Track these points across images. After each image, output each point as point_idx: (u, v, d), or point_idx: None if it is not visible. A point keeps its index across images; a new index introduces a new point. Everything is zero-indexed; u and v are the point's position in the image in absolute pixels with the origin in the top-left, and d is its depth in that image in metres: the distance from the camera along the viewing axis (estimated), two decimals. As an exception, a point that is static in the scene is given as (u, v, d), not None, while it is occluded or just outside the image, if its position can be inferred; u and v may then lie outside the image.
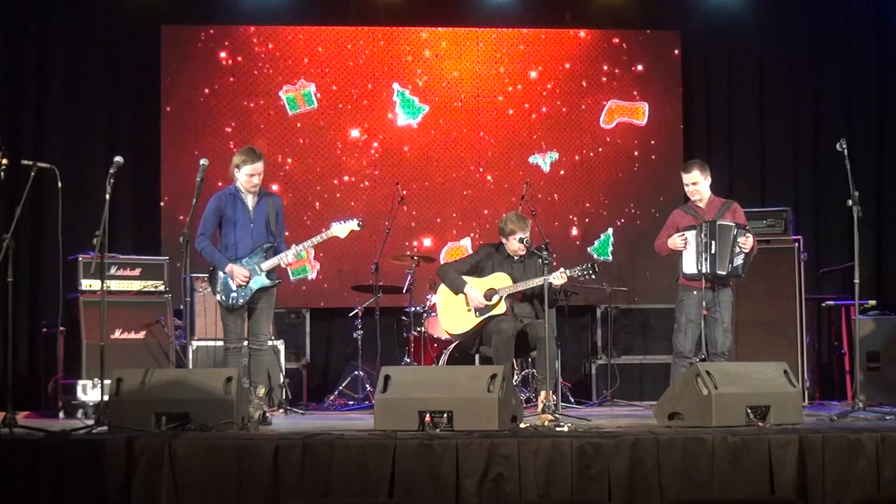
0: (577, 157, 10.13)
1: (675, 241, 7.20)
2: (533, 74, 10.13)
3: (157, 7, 9.76)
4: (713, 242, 7.04)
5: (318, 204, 9.85)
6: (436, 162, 10.02)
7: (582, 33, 10.22)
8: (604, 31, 10.25)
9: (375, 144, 9.98)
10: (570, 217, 10.06)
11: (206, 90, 9.82)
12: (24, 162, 6.27)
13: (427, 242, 9.78)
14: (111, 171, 6.41)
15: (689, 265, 7.14)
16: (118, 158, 6.50)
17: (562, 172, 10.09)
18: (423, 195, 9.95)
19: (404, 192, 9.41)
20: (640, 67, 10.22)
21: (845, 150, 7.05)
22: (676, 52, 10.26)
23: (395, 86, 10.01)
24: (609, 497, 5.34)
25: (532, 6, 10.21)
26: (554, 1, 10.30)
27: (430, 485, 5.31)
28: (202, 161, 6.86)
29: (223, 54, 9.87)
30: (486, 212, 9.95)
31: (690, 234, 7.14)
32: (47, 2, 9.60)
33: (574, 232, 10.05)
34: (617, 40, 10.24)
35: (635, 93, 10.18)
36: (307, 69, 9.95)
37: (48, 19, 9.59)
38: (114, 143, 9.41)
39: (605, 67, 10.20)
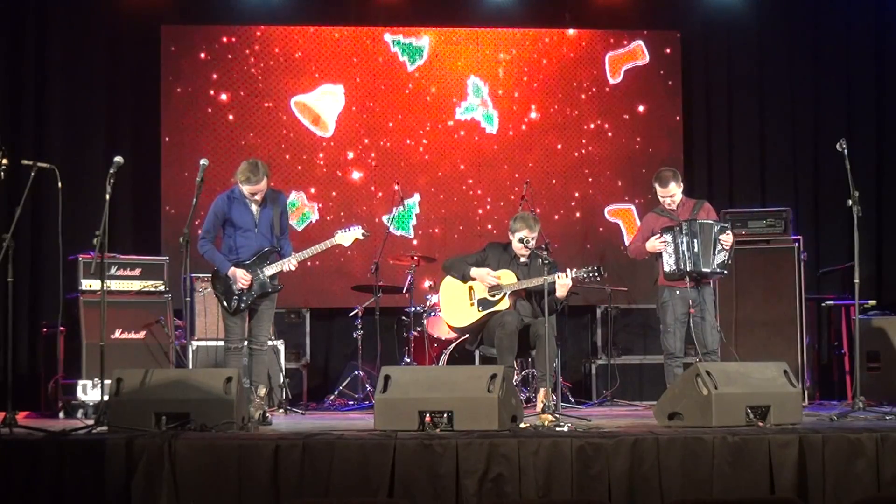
0: (575, 154, 10.14)
1: (654, 244, 7.20)
2: (534, 93, 10.15)
3: (157, 7, 9.76)
4: (695, 241, 7.04)
5: (317, 214, 9.92)
6: (436, 182, 10.05)
7: (580, 33, 10.23)
8: (603, 31, 10.25)
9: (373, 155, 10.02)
10: (570, 204, 10.09)
11: (206, 89, 9.82)
12: (24, 162, 6.27)
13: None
14: (111, 171, 6.41)
15: (670, 265, 7.14)
16: (118, 158, 6.50)
17: (559, 146, 10.10)
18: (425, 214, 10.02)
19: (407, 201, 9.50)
20: (639, 67, 10.22)
21: (845, 150, 7.05)
22: (676, 52, 10.26)
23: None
24: (609, 497, 5.34)
25: (532, 6, 10.21)
26: (554, 1, 10.30)
27: (430, 485, 5.31)
28: (202, 161, 6.86)
29: (223, 53, 9.87)
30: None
31: (668, 235, 7.14)
32: (47, 2, 9.60)
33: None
34: (616, 40, 10.24)
35: (635, 93, 10.19)
36: (308, 70, 9.96)
37: (48, 19, 9.59)
38: (114, 143, 9.41)
39: (605, 68, 10.19)
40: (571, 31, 10.21)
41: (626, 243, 9.56)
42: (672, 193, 7.27)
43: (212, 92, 9.83)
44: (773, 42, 10.33)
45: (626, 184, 10.17)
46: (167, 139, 9.74)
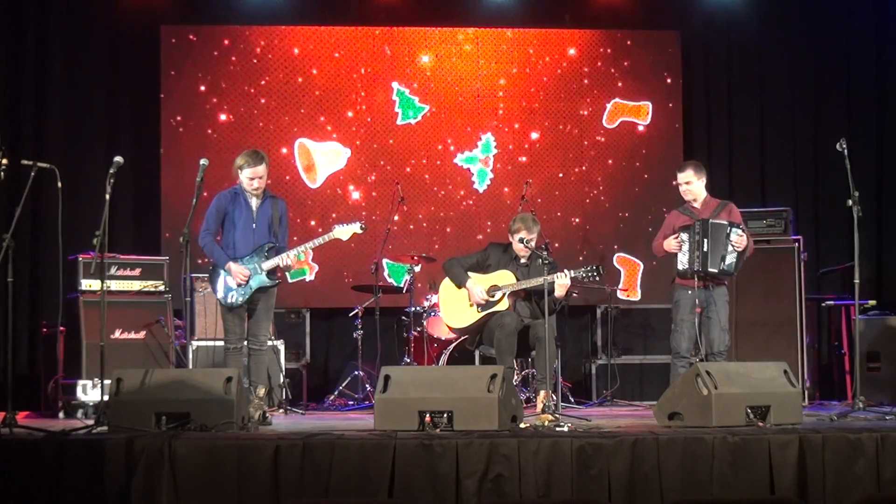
0: (576, 169, 10.14)
1: (670, 244, 7.22)
2: (532, 89, 10.12)
3: (157, 7, 9.76)
4: (706, 240, 7.04)
5: (314, 208, 9.90)
6: (436, 202, 10.04)
7: (581, 34, 10.23)
8: (604, 31, 10.25)
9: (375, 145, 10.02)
10: (572, 219, 10.10)
11: (206, 90, 9.82)
12: (24, 162, 6.27)
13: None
14: (111, 171, 6.42)
15: (683, 263, 7.15)
16: (118, 158, 6.50)
17: (560, 175, 10.09)
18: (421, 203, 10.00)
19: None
20: (640, 68, 10.22)
21: (845, 150, 7.05)
22: (676, 52, 10.26)
23: (395, 84, 10.01)
24: (609, 497, 5.34)
25: (532, 6, 10.20)
26: (554, 1, 10.30)
27: (430, 485, 5.31)
28: (202, 161, 6.86)
29: (223, 54, 9.87)
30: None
31: (684, 234, 7.15)
32: (47, 2, 9.60)
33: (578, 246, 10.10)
34: (617, 41, 10.24)
35: (636, 94, 10.18)
36: (307, 69, 9.95)
37: (48, 20, 9.59)
38: (114, 143, 9.41)
39: (605, 68, 10.20)
40: (573, 51, 10.14)
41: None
42: (688, 180, 7.27)
43: (211, 90, 9.81)
44: (773, 42, 10.33)
45: (621, 189, 10.18)
46: (167, 139, 9.72)
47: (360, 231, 7.12)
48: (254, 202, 6.94)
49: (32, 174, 6.26)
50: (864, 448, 5.51)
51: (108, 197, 6.32)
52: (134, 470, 5.31)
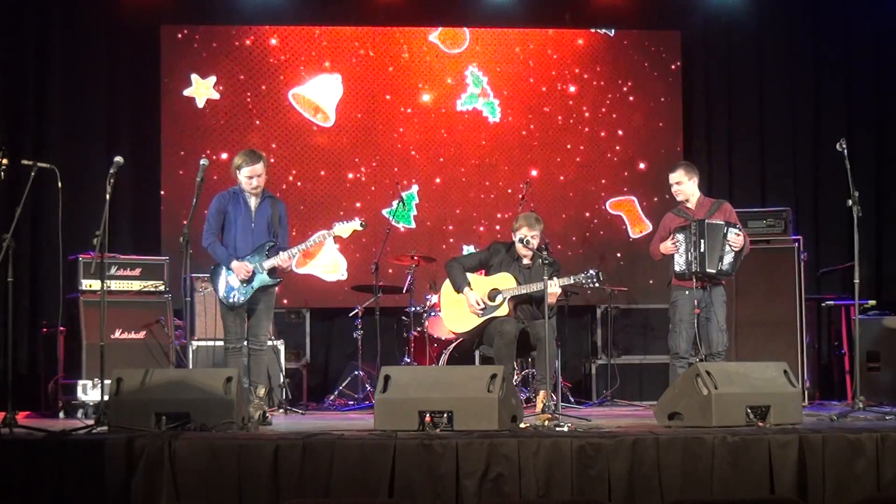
0: (577, 159, 10.15)
1: (666, 246, 7.22)
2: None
3: (157, 7, 9.76)
4: (702, 241, 7.04)
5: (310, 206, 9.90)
6: (438, 171, 10.04)
7: (581, 34, 10.22)
8: (603, 31, 10.25)
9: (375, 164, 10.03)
10: (572, 222, 10.12)
11: (206, 89, 9.82)
12: (24, 162, 6.27)
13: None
14: (111, 171, 6.41)
15: (680, 265, 7.15)
16: (118, 158, 6.50)
17: (561, 178, 10.10)
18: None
19: (405, 193, 9.47)
20: (639, 67, 10.22)
21: (845, 150, 7.05)
22: (676, 52, 10.26)
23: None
24: (609, 497, 5.35)
25: (532, 6, 10.20)
26: (554, 1, 10.29)
27: (430, 485, 5.31)
28: (202, 161, 6.87)
29: (223, 54, 9.87)
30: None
31: (680, 235, 7.14)
32: (47, 2, 9.60)
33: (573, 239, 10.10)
34: (616, 40, 10.24)
35: (635, 100, 10.19)
36: (307, 69, 9.96)
37: (48, 20, 9.59)
38: (114, 143, 9.41)
39: (605, 68, 10.19)
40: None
41: (631, 235, 9.59)
42: (679, 180, 7.28)
43: (210, 97, 9.84)
44: (773, 42, 10.33)
45: (621, 190, 10.17)
46: (167, 139, 9.72)
47: (361, 228, 7.11)
48: (252, 202, 6.95)
49: (32, 174, 6.27)
50: (864, 448, 5.51)
51: (108, 197, 6.32)
52: (134, 470, 5.32)
